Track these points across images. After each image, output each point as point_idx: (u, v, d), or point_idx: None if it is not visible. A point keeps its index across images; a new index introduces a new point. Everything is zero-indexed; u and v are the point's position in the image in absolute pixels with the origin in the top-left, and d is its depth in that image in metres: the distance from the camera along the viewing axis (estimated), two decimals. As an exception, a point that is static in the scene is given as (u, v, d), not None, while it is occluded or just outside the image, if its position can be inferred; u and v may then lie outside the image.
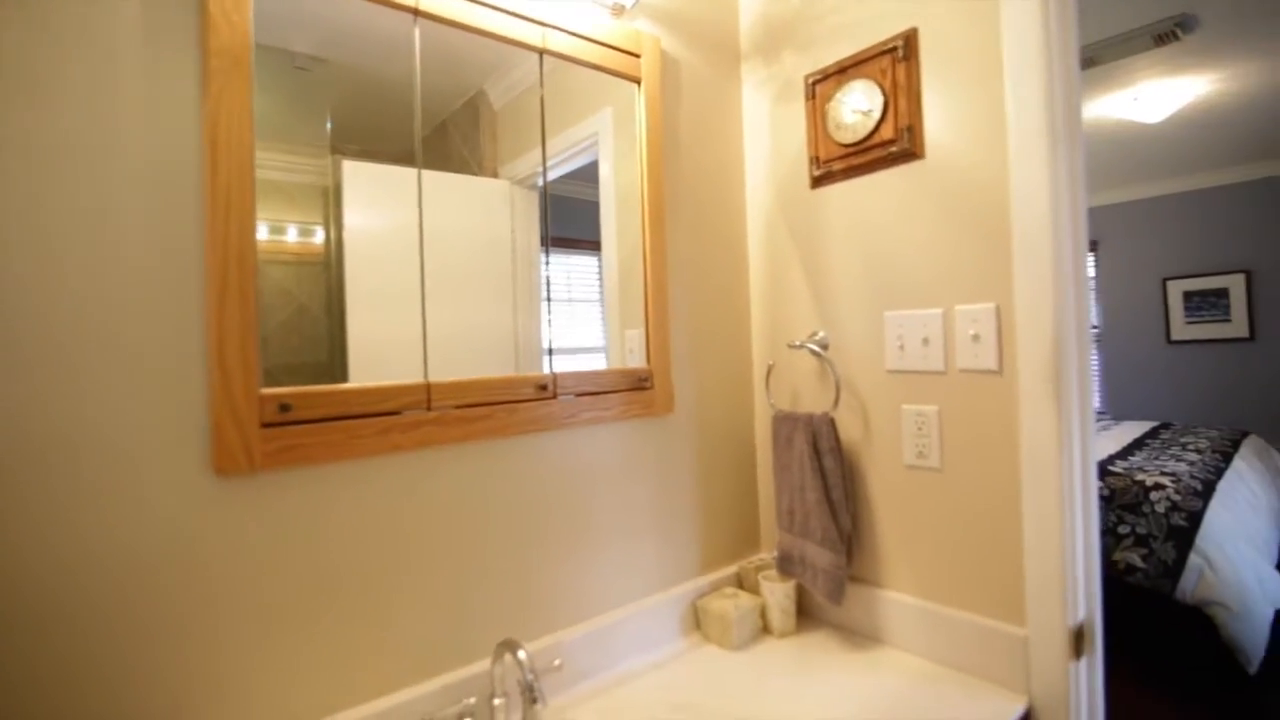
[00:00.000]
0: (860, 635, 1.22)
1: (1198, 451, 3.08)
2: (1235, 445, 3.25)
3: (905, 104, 1.13)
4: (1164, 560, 2.35)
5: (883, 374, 1.19)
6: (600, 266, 1.20)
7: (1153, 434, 3.57)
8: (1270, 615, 2.20)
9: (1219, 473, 2.76)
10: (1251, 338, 4.33)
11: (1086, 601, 0.98)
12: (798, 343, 1.27)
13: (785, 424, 1.26)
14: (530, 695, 0.81)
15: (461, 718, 0.88)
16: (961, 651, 1.07)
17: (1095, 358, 5.07)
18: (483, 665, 0.96)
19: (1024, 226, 0.98)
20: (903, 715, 0.96)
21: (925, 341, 1.12)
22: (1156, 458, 2.95)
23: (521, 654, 0.84)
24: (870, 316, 1.21)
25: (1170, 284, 4.64)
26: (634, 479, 1.20)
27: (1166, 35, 2.34)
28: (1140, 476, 2.59)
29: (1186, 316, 4.59)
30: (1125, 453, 3.08)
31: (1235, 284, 4.37)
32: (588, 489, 1.13)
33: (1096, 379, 5.07)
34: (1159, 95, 2.84)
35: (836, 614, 1.26)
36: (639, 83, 1.23)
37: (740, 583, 1.33)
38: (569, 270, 1.16)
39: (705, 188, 1.37)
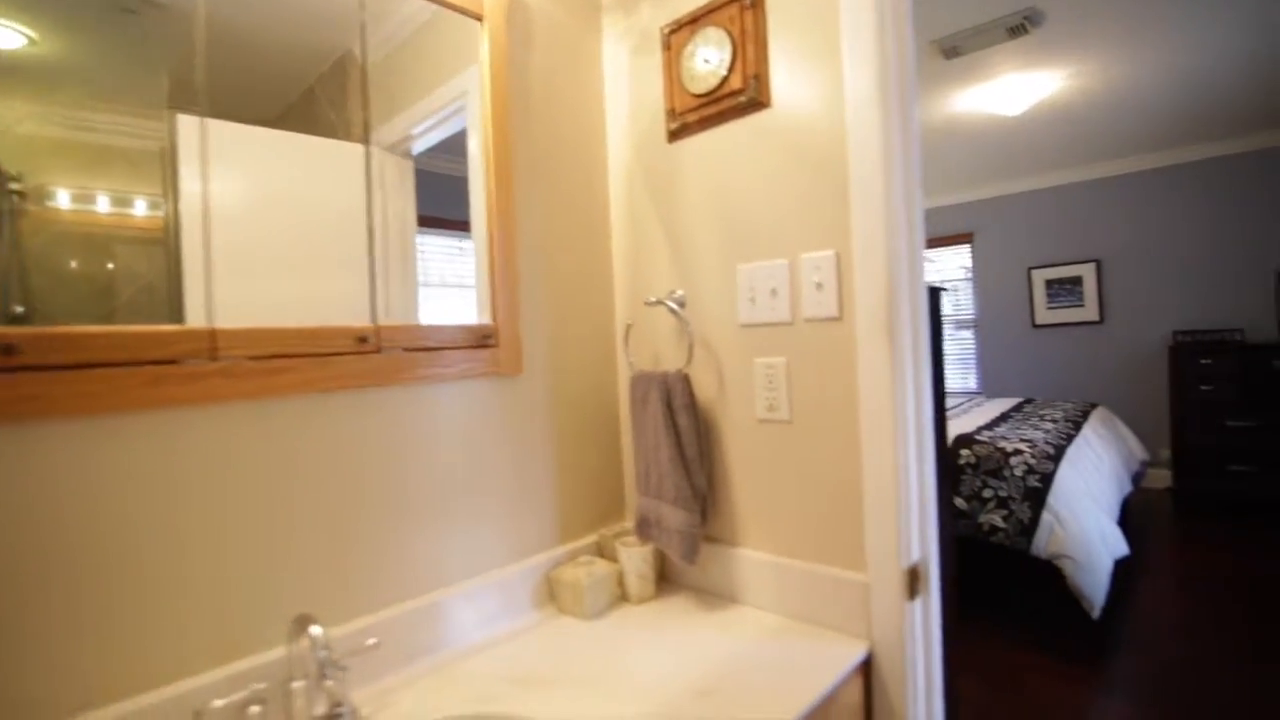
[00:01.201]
0: (718, 596, 1.20)
1: (1053, 421, 3.34)
2: (1085, 415, 3.55)
3: (753, 51, 1.11)
4: (1021, 520, 2.52)
5: (736, 328, 1.17)
6: (475, 247, 1.13)
7: (1017, 408, 3.85)
8: (1111, 565, 2.41)
9: (1069, 439, 3.00)
10: (1101, 321, 4.76)
11: (921, 543, 0.99)
12: (653, 299, 1.23)
13: (641, 384, 1.21)
14: (322, 673, 0.72)
15: (249, 705, 0.77)
16: (811, 603, 1.06)
17: (972, 341, 5.44)
18: (282, 650, 0.85)
19: (860, 174, 0.98)
20: (746, 670, 0.93)
21: (774, 293, 1.11)
22: (1018, 428, 3.17)
23: (315, 629, 0.74)
24: (725, 271, 1.18)
25: (1035, 272, 5.04)
26: (479, 443, 1.12)
27: (1018, 28, 2.51)
28: (1002, 444, 2.77)
29: (1048, 302, 5.00)
30: (992, 424, 3.29)
31: (1088, 272, 4.80)
32: (423, 453, 1.04)
33: (974, 361, 5.44)
34: (1017, 88, 3.05)
35: (696, 576, 1.23)
36: (481, 19, 1.15)
37: (601, 551, 1.28)
38: (446, 253, 1.09)
39: (563, 142, 1.30)
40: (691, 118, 1.22)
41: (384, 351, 0.99)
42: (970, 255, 5.41)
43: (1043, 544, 2.44)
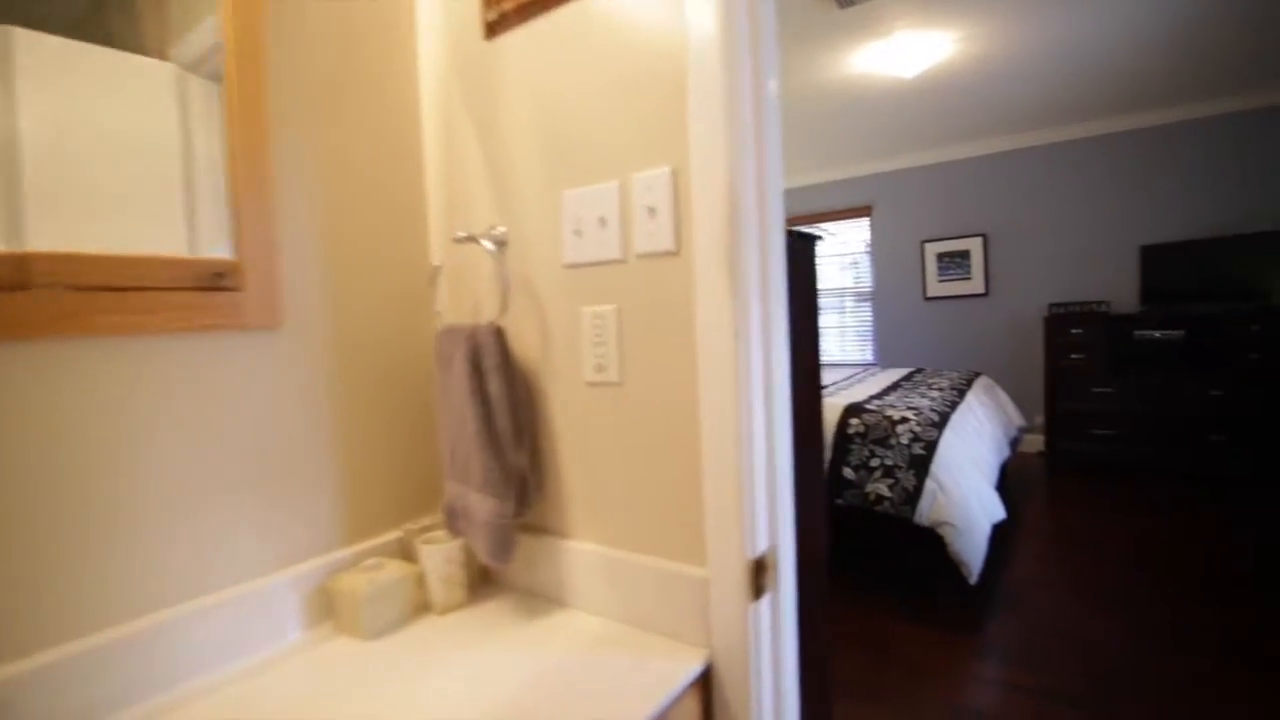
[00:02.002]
0: (546, 598, 0.98)
1: (939, 390, 3.37)
2: (969, 384, 3.63)
3: (576, -87, 0.87)
4: (906, 488, 2.48)
5: (561, 270, 0.94)
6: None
7: (908, 378, 3.89)
8: (988, 530, 2.41)
9: (954, 406, 3.01)
10: (986, 293, 4.93)
11: (770, 530, 0.81)
12: (462, 235, 0.98)
13: (447, 340, 0.97)
14: None
15: None
16: (647, 605, 0.87)
17: (869, 314, 5.53)
18: None
19: (699, 66, 0.76)
20: (554, 698, 0.72)
21: (602, 222, 0.88)
22: (907, 396, 3.16)
23: None
24: (550, 199, 0.95)
25: (927, 246, 5.15)
26: (214, 419, 0.84)
27: (911, -21, 2.41)
28: (890, 412, 2.73)
29: (939, 275, 5.12)
30: (883, 394, 3.28)
31: (975, 246, 4.94)
32: (118, 433, 0.75)
33: (870, 333, 5.53)
34: (912, 48, 2.98)
35: (524, 575, 1.01)
36: None
37: (407, 551, 1.03)
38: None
39: (352, 33, 1.01)
40: (509, 4, 0.97)
41: (34, 289, 0.69)
42: (869, 228, 5.46)
43: (925, 512, 2.41)
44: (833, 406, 2.88)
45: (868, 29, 2.82)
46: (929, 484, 2.44)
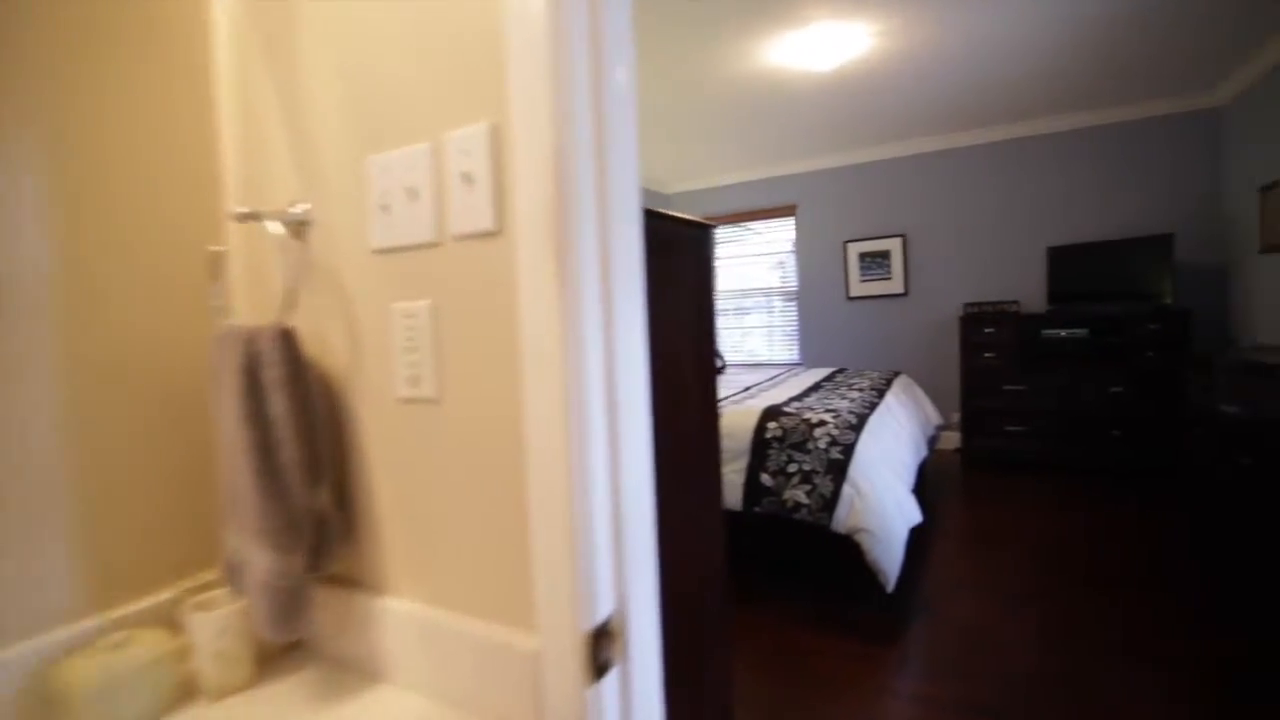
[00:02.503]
0: (358, 671, 0.78)
1: (859, 390, 3.33)
2: (888, 383, 3.62)
3: None
4: (824, 494, 2.39)
5: (370, 256, 0.74)
6: None
7: (830, 378, 3.86)
8: (905, 535, 2.35)
9: (873, 407, 2.97)
10: (906, 293, 4.99)
11: (618, 588, 0.64)
12: (242, 211, 0.76)
13: (220, 348, 0.75)
14: None
15: None
16: (472, 682, 0.68)
17: (794, 313, 5.51)
18: None
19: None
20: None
21: (413, 195, 0.69)
22: (826, 398, 3.10)
23: None
24: (356, 168, 0.75)
25: (849, 246, 5.17)
26: None
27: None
28: (808, 415, 2.64)
29: (861, 275, 5.15)
30: (803, 395, 3.21)
31: (895, 246, 5.00)
32: None
33: (795, 333, 5.52)
34: (828, 40, 2.91)
35: (332, 642, 0.81)
36: None
37: (176, 618, 0.81)
38: None
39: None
40: (303, -81, 0.76)
41: None
42: (794, 228, 5.45)
43: (843, 518, 2.33)
44: (751, 410, 2.77)
45: (784, 18, 2.73)
46: (846, 489, 2.36)
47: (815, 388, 3.49)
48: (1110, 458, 3.95)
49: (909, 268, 4.99)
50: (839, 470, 2.41)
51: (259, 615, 0.69)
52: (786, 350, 5.62)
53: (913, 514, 2.46)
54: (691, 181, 5.77)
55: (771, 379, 3.94)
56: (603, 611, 0.61)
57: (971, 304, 4.58)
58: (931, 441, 3.83)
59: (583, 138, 0.59)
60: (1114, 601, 2.38)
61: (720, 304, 5.86)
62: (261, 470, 0.69)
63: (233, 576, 0.76)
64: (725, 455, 2.67)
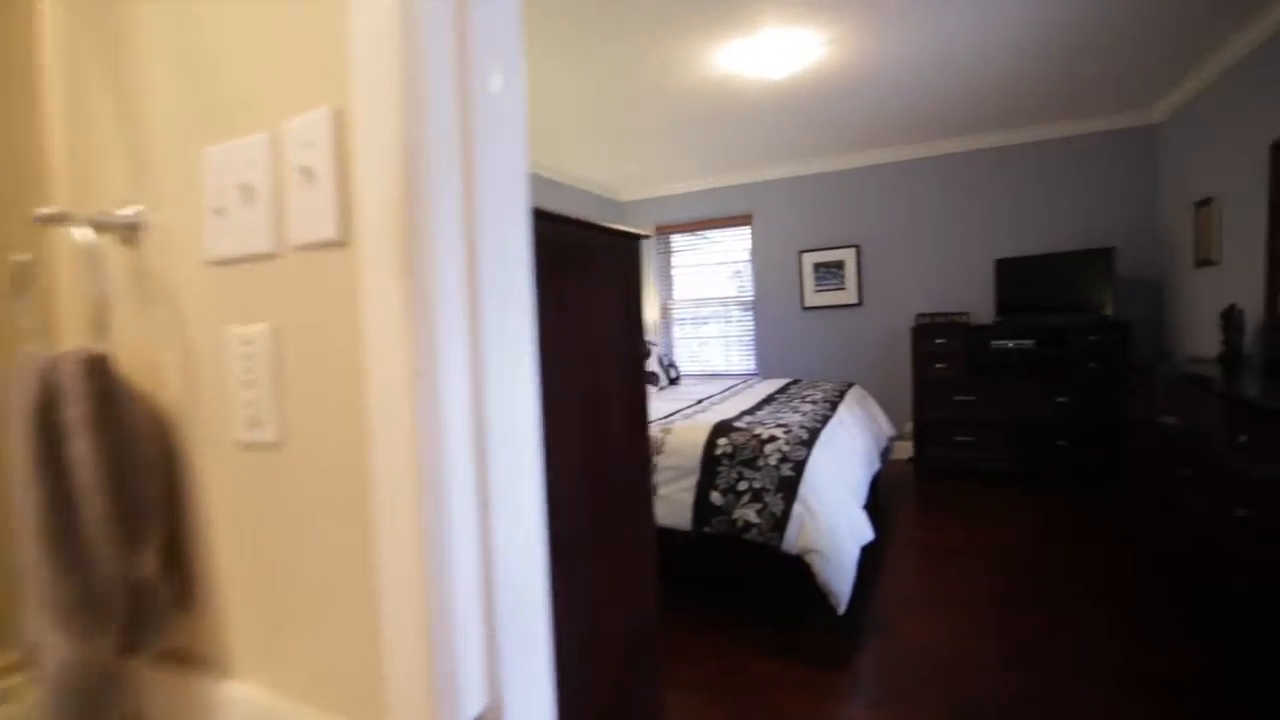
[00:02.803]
0: (194, 768, 0.65)
1: (813, 403, 3.29)
2: (842, 395, 3.59)
3: None
4: (774, 513, 2.32)
5: (204, 268, 0.62)
6: None
7: (783, 390, 3.81)
8: (856, 554, 2.29)
9: (825, 420, 2.92)
10: (860, 303, 5.01)
11: (490, 676, 0.52)
12: (47, 212, 0.63)
13: (15, 381, 0.61)
14: None
15: None
16: (321, 786, 0.56)
17: (751, 323, 5.48)
18: None
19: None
20: None
21: (249, 194, 0.57)
22: (779, 412, 3.04)
23: None
24: (191, 163, 0.62)
25: (804, 256, 5.17)
26: None
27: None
28: (759, 430, 2.57)
29: (816, 285, 5.15)
30: (756, 408, 3.14)
31: (849, 257, 5.02)
32: None
33: (752, 343, 5.49)
34: (779, 47, 2.87)
35: (167, 730, 0.67)
36: None
37: (-27, 704, 0.66)
38: None
39: None
40: None
41: None
42: (750, 236, 5.43)
43: (794, 538, 2.26)
44: (701, 425, 2.68)
45: (733, 23, 2.67)
46: (797, 508, 2.29)
47: (768, 400, 3.43)
48: (1057, 466, 4.00)
49: (863, 278, 5.01)
50: (790, 488, 2.33)
51: (47, 713, 0.56)
52: (744, 360, 5.58)
53: (865, 532, 2.40)
54: (645, 189, 5.70)
55: (725, 391, 3.88)
56: (470, 709, 0.50)
57: (923, 315, 4.61)
58: (885, 453, 3.81)
59: (440, 126, 0.49)
60: (1068, 617, 2.36)
61: (677, 313, 5.80)
62: (53, 533, 0.56)
63: (31, 662, 0.62)
64: (674, 473, 2.58)
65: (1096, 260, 4.03)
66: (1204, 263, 3.45)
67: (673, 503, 2.55)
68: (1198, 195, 3.52)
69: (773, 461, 2.41)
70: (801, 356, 5.25)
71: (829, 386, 3.84)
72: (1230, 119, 3.17)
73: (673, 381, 4.40)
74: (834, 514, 2.30)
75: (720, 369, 5.66)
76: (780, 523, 2.29)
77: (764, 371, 5.41)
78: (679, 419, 2.94)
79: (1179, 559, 2.45)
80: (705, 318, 5.74)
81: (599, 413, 0.97)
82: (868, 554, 2.63)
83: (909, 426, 4.68)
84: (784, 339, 5.32)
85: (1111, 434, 3.84)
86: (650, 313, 5.83)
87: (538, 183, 4.62)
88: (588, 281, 0.97)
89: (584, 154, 4.52)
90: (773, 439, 2.49)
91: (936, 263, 4.76)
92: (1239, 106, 3.07)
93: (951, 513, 3.58)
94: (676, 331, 5.84)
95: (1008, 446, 4.13)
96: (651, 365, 4.17)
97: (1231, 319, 2.89)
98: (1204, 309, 3.48)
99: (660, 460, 2.62)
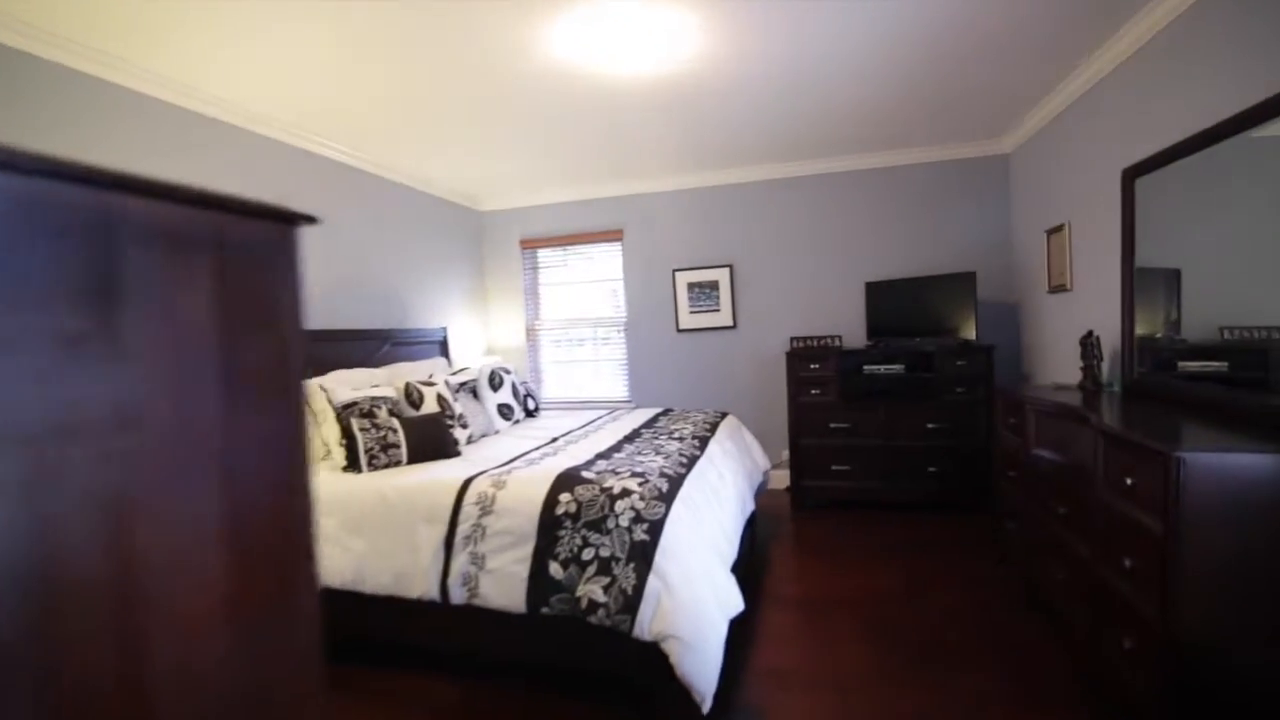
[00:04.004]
0: None
1: (680, 440, 2.90)
2: (714, 428, 3.24)
3: None
4: (625, 589, 1.86)
5: None
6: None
7: (651, 423, 3.41)
8: (724, 634, 1.89)
9: (692, 462, 2.53)
10: (734, 326, 4.77)
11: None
12: None
13: None
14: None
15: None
16: None
17: (623, 345, 5.09)
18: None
19: None
20: None
21: None
22: (640, 452, 2.62)
23: None
24: None
25: (678, 275, 4.87)
26: None
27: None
28: (610, 483, 2.12)
29: (690, 306, 4.86)
30: (613, 450, 2.69)
31: (723, 277, 4.77)
32: None
33: (625, 367, 5.09)
34: (630, 31, 2.48)
35: None
36: None
37: None
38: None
39: None
40: None
41: None
42: (620, 253, 5.05)
43: (647, 621, 1.82)
44: (541, 477, 2.19)
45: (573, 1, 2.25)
46: (652, 582, 1.85)
47: (632, 437, 3.01)
48: (929, 495, 3.91)
49: (737, 300, 4.78)
50: (644, 556, 1.89)
51: None
52: (618, 387, 5.16)
53: (733, 603, 2.01)
54: (507, 200, 5.18)
55: (586, 426, 3.42)
56: None
57: (797, 338, 4.43)
58: (760, 488, 3.52)
59: None
60: (952, 688, 2.09)
61: (547, 335, 5.29)
62: None
63: None
64: (507, 539, 2.06)
65: (959, 284, 4.01)
66: (1057, 288, 3.47)
67: (503, 577, 2.03)
68: (1049, 223, 3.56)
69: (624, 522, 1.96)
70: (676, 381, 4.91)
71: (701, 418, 3.48)
72: (1079, 148, 3.19)
73: (530, 413, 3.87)
74: (697, 586, 1.89)
75: (592, 396, 5.21)
76: (632, 602, 1.84)
77: (637, 398, 5.02)
78: (520, 466, 2.43)
79: (1063, 607, 2.28)
80: (581, 339, 5.27)
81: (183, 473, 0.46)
82: (741, 614, 2.23)
83: (785, 454, 4.45)
84: (659, 363, 4.97)
85: (980, 461, 3.79)
86: (512, 335, 5.28)
87: (378, 185, 3.96)
88: (173, 278, 0.46)
89: (424, 155, 3.93)
90: (625, 493, 2.05)
91: (809, 285, 4.62)
92: (1088, 135, 3.10)
93: (829, 555, 3.32)
94: (545, 355, 5.33)
95: (882, 476, 3.99)
96: (503, 396, 3.62)
97: (1089, 345, 2.85)
98: (1059, 334, 3.50)
99: (490, 523, 2.10)
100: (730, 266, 4.76)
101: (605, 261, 5.15)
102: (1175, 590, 1.58)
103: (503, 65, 2.74)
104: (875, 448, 3.99)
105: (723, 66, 2.87)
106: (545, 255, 5.27)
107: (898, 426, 3.95)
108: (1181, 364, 2.41)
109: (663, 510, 2.00)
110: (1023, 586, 2.75)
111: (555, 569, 1.97)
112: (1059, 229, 3.41)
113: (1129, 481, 1.78)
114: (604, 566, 1.92)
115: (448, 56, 2.63)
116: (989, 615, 2.55)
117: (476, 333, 5.10)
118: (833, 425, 4.07)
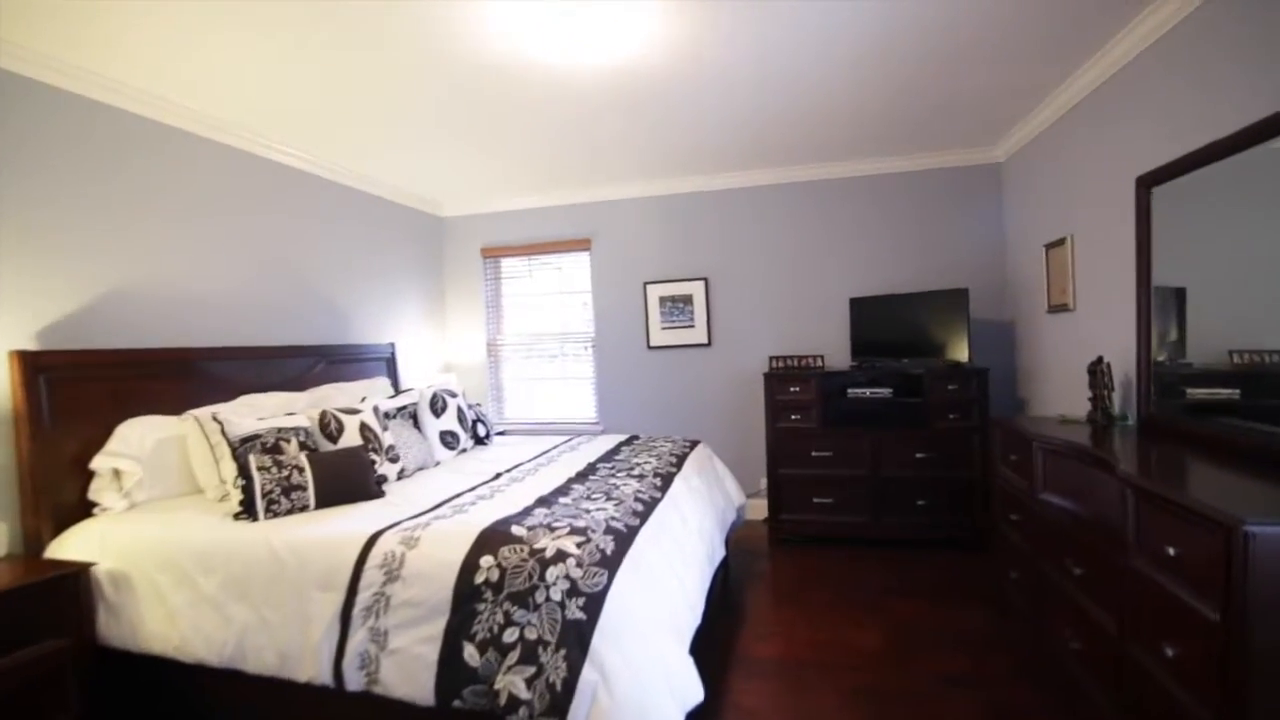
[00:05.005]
0: None
1: (640, 476, 2.54)
2: (681, 461, 2.88)
3: None
4: (553, 683, 1.49)
5: None
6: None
7: (612, 453, 3.04)
8: (676, 735, 1.52)
9: (651, 506, 2.17)
10: (709, 343, 4.43)
11: None
12: None
13: None
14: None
15: None
16: None
17: (591, 363, 4.72)
18: None
19: None
20: None
21: None
22: (588, 496, 2.25)
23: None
24: None
25: (650, 288, 4.52)
26: None
27: None
28: (543, 542, 1.75)
29: (662, 322, 4.52)
30: (560, 491, 2.32)
31: (698, 290, 4.44)
32: None
33: (593, 386, 4.72)
34: (584, 16, 2.15)
35: None
36: None
37: None
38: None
39: None
40: None
41: None
42: (589, 264, 4.70)
43: (580, 725, 1.44)
44: (459, 534, 1.82)
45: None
46: (588, 674, 1.49)
47: (588, 472, 2.64)
48: (918, 530, 3.58)
49: (712, 315, 4.45)
50: (578, 640, 1.53)
51: None
52: (585, 408, 4.79)
53: (691, 692, 1.64)
54: (468, 204, 4.82)
55: (539, 457, 3.04)
56: None
57: (776, 357, 4.10)
58: (733, 527, 3.17)
59: None
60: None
61: (509, 350, 4.91)
62: None
63: None
64: (414, 613, 1.68)
65: (949, 301, 3.71)
66: (1058, 308, 3.18)
67: (408, 661, 1.65)
68: (1048, 236, 3.27)
69: (556, 595, 1.60)
70: (646, 402, 4.56)
71: (667, 449, 3.12)
72: (1083, 154, 2.90)
73: (480, 440, 3.49)
74: (645, 675, 1.52)
75: (557, 418, 4.83)
76: (561, 701, 1.47)
77: (605, 420, 4.65)
78: (444, 515, 2.04)
79: (1080, 681, 1.94)
80: (549, 355, 4.89)
81: None
82: (710, 683, 1.85)
83: (763, 482, 4.11)
84: (628, 381, 4.61)
85: (974, 495, 3.47)
86: (472, 351, 4.90)
87: (319, 187, 3.56)
88: None
89: (372, 156, 3.56)
90: (560, 556, 1.68)
91: (790, 300, 4.30)
92: (1093, 141, 2.81)
93: (809, 603, 2.97)
94: (507, 372, 4.95)
95: (868, 509, 3.65)
96: (446, 423, 3.23)
97: (1099, 373, 2.54)
98: (1061, 358, 3.20)
99: (395, 592, 1.71)
100: (705, 279, 4.43)
101: (573, 273, 4.80)
102: (1244, 697, 1.24)
103: (449, 54, 2.39)
104: (860, 478, 3.66)
105: (688, 59, 2.54)
106: (509, 265, 4.90)
107: (884, 455, 3.62)
108: (1190, 391, 2.13)
109: (604, 580, 1.63)
110: (1028, 650, 2.41)
111: (470, 653, 1.59)
112: (1060, 243, 3.12)
113: (1171, 551, 1.45)
114: (529, 652, 1.54)
115: (389, 46, 2.29)
116: (991, 687, 2.21)
117: (431, 348, 4.71)
118: (814, 453, 3.73)
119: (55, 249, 2.31)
